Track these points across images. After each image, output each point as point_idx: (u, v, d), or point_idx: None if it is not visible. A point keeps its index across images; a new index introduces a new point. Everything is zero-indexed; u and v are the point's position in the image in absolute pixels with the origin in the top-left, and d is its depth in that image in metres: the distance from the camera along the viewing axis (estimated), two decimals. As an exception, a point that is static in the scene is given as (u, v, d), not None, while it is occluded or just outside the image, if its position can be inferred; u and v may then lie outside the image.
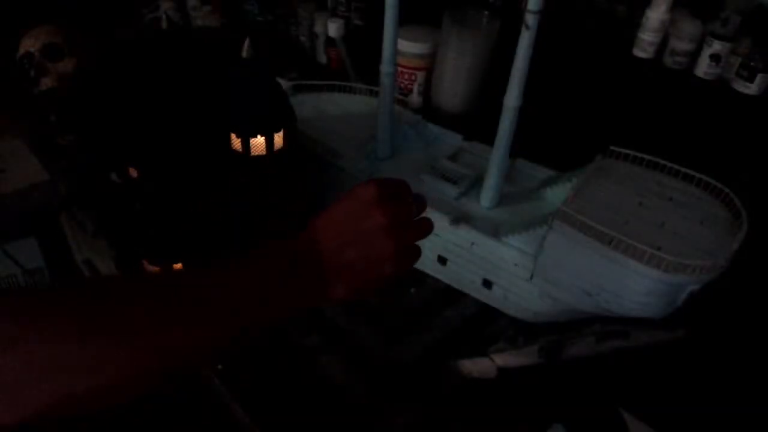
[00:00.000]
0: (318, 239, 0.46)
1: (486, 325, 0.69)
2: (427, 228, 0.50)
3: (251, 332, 0.43)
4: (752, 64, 0.77)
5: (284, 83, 0.85)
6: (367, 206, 0.47)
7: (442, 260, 0.72)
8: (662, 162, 0.67)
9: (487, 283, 0.69)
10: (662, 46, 0.84)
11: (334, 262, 0.45)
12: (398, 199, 0.49)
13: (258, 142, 0.66)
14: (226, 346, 0.42)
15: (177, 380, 0.39)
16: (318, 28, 1.18)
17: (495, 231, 0.66)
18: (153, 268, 0.70)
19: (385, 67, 0.72)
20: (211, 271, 0.41)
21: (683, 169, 0.66)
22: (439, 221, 0.69)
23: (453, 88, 0.99)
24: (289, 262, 0.45)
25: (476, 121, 0.95)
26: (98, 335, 0.33)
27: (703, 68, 0.81)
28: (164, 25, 0.69)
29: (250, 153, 0.66)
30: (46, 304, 0.34)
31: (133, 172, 0.67)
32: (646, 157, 0.68)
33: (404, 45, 0.99)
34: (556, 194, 0.70)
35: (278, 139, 0.67)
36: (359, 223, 0.46)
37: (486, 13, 0.95)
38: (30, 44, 0.91)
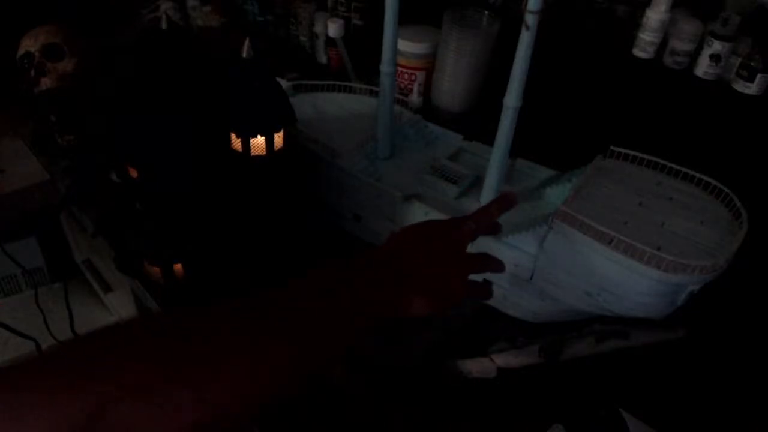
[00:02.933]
0: (397, 250, 0.48)
1: (486, 325, 0.69)
2: (498, 264, 0.55)
3: (339, 346, 0.42)
4: (752, 64, 0.77)
5: (284, 83, 0.85)
6: (453, 222, 0.51)
7: (442, 260, 0.72)
8: (662, 162, 0.67)
9: (487, 283, 0.69)
10: (662, 46, 0.84)
11: (413, 272, 0.46)
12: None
13: (258, 142, 0.66)
14: (319, 363, 0.41)
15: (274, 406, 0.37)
16: (318, 28, 1.18)
17: (495, 231, 0.66)
18: (154, 269, 0.70)
19: (385, 67, 0.72)
20: (293, 287, 0.40)
21: (683, 169, 0.66)
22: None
23: (453, 88, 1.00)
24: (374, 271, 0.45)
25: (476, 120, 0.95)
26: (187, 379, 0.32)
27: (703, 68, 0.81)
28: (164, 25, 0.69)
29: (250, 153, 0.66)
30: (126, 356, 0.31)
31: (133, 172, 0.67)
32: (646, 157, 0.68)
33: (404, 45, 0.99)
34: (556, 194, 0.70)
35: (278, 139, 0.67)
36: (443, 238, 0.50)
37: (486, 13, 0.96)
38: (30, 44, 0.91)
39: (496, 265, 0.55)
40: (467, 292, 0.51)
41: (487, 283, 0.55)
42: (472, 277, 0.52)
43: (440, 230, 0.51)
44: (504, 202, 0.56)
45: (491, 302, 0.70)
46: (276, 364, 0.36)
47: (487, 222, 0.55)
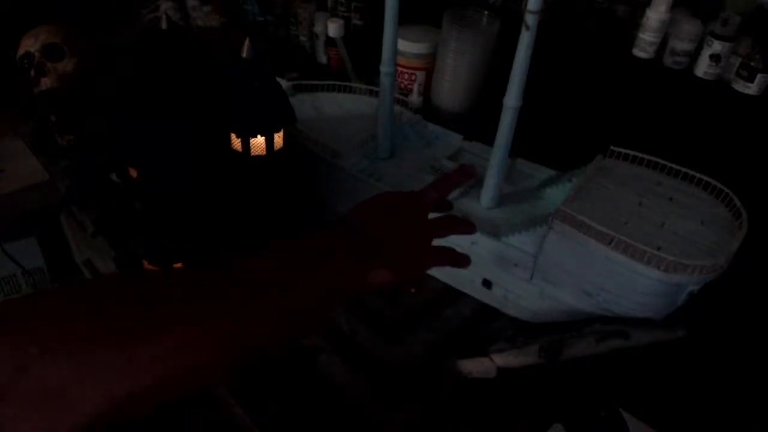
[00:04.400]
0: (364, 225, 0.47)
1: (486, 325, 0.69)
2: (468, 225, 0.54)
3: (302, 323, 0.42)
4: (752, 64, 0.77)
5: (284, 83, 0.85)
6: (411, 193, 0.51)
7: (442, 260, 0.72)
8: (662, 162, 0.67)
9: (487, 283, 0.69)
10: (662, 46, 0.84)
11: (378, 246, 0.46)
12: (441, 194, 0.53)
13: (258, 142, 0.66)
14: (277, 339, 0.40)
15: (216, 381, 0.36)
16: (318, 28, 1.18)
17: (495, 231, 0.66)
18: (153, 268, 0.70)
19: (385, 67, 0.72)
20: (247, 260, 0.39)
21: (683, 169, 0.66)
22: (439, 221, 0.69)
23: (453, 88, 0.99)
24: (327, 243, 0.44)
25: (476, 120, 0.95)
26: (141, 336, 0.31)
27: (703, 68, 0.81)
28: (164, 25, 0.69)
29: (250, 153, 0.66)
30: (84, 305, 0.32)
31: (133, 172, 0.67)
32: (647, 157, 0.68)
33: (404, 45, 0.99)
34: (556, 194, 0.70)
35: (278, 139, 0.67)
36: (404, 208, 0.49)
37: (486, 13, 0.95)
38: (30, 44, 0.91)
39: (464, 227, 0.54)
40: (434, 260, 0.50)
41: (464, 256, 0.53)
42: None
43: (401, 200, 0.51)
44: (464, 172, 0.57)
45: (491, 302, 0.70)
46: (218, 339, 0.35)
47: (448, 191, 0.55)
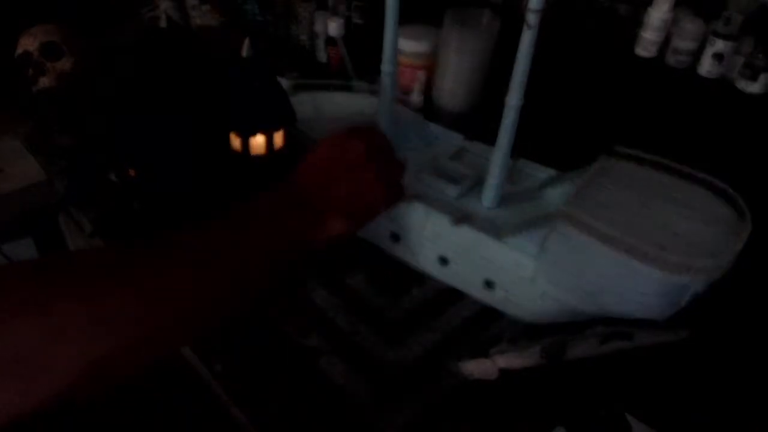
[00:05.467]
0: (304, 180, 0.49)
1: (487, 325, 0.69)
2: (400, 165, 0.57)
3: (263, 283, 0.43)
4: (755, 63, 0.76)
5: (284, 83, 0.84)
6: (343, 140, 0.52)
7: (443, 260, 0.71)
8: (665, 162, 0.67)
9: (489, 284, 0.69)
10: (665, 44, 0.84)
11: (326, 197, 0.48)
12: (383, 152, 0.54)
13: (258, 141, 0.66)
14: (239, 302, 0.42)
15: (192, 340, 0.38)
16: (318, 28, 1.18)
17: (496, 231, 0.66)
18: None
19: (386, 67, 0.71)
20: (204, 226, 0.41)
21: (686, 169, 0.66)
22: (440, 221, 0.68)
23: (454, 88, 0.99)
24: (280, 201, 0.46)
25: (477, 120, 0.95)
26: (117, 295, 0.32)
27: (706, 67, 0.81)
28: (163, 23, 0.69)
29: (250, 153, 0.66)
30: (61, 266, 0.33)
31: (133, 172, 0.67)
32: (649, 156, 0.68)
33: (405, 44, 0.98)
34: (559, 194, 0.70)
35: (278, 138, 0.67)
36: (340, 159, 0.50)
37: (487, 11, 0.95)
38: (28, 43, 0.90)
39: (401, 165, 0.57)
40: (385, 202, 0.53)
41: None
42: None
43: (353, 143, 0.52)
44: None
45: (492, 303, 0.70)
46: (180, 297, 0.36)
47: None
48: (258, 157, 0.66)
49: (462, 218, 0.68)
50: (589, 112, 0.89)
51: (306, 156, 0.52)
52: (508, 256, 0.65)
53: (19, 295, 0.30)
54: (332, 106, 0.86)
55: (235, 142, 0.66)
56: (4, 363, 0.29)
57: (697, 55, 0.82)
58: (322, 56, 1.20)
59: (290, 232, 0.45)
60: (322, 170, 0.50)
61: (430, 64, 1.02)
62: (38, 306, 0.30)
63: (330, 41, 1.12)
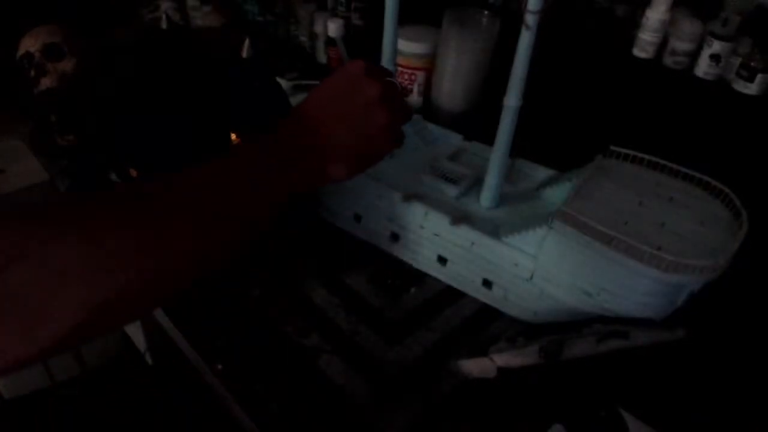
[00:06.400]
0: (310, 118, 0.46)
1: (486, 325, 0.69)
2: (409, 110, 0.52)
3: (263, 223, 0.42)
4: (752, 64, 0.77)
5: (284, 83, 0.85)
6: (358, 79, 0.48)
7: (442, 260, 0.72)
8: (662, 162, 0.67)
9: (487, 283, 0.69)
10: (662, 46, 0.84)
11: (329, 139, 0.45)
12: (385, 73, 0.50)
13: (258, 142, 0.66)
14: (238, 243, 0.41)
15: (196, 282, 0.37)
16: (318, 28, 1.18)
17: (495, 231, 0.66)
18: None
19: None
20: (206, 165, 0.40)
21: (683, 169, 0.66)
22: (439, 221, 0.69)
23: (453, 88, 0.99)
24: (284, 143, 0.44)
25: (476, 120, 0.95)
26: (117, 236, 0.32)
27: (703, 68, 0.81)
28: (164, 25, 0.69)
29: (250, 153, 0.66)
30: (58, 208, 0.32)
31: (133, 172, 0.67)
32: (647, 157, 0.68)
33: (404, 45, 0.99)
34: (556, 194, 0.70)
35: (278, 139, 0.67)
36: (351, 98, 0.47)
37: (486, 12, 0.95)
38: (30, 44, 0.91)
39: (408, 109, 0.52)
40: (389, 144, 0.49)
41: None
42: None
43: (369, 82, 0.48)
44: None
45: (491, 302, 0.70)
46: (178, 240, 0.35)
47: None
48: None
49: (461, 218, 0.68)
50: (587, 113, 0.89)
51: (319, 85, 0.49)
52: (507, 256, 0.66)
53: (17, 237, 0.30)
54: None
55: (236, 142, 0.66)
56: (3, 307, 0.28)
57: (694, 56, 0.82)
58: (321, 57, 1.21)
59: (292, 176, 0.43)
60: (333, 104, 0.47)
61: (429, 65, 1.02)
62: (38, 247, 0.29)
63: (330, 42, 1.13)
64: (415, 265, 0.75)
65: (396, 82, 0.51)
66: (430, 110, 1.02)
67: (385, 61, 0.71)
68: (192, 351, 0.67)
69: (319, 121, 0.46)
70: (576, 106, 0.91)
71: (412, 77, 1.03)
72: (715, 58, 0.79)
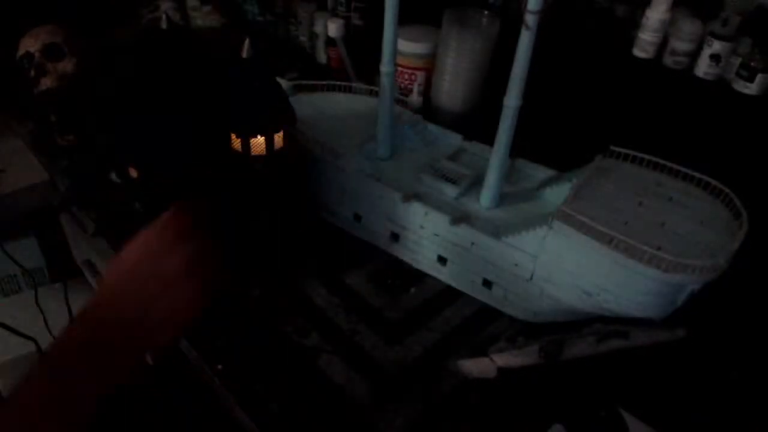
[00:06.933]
0: (114, 304, 0.42)
1: (486, 325, 0.69)
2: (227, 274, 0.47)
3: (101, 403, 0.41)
4: (752, 64, 0.77)
5: (284, 83, 0.85)
6: (177, 275, 0.43)
7: (442, 260, 0.72)
8: (662, 162, 0.67)
9: (487, 283, 0.69)
10: (662, 46, 0.84)
11: (138, 322, 0.42)
12: (202, 229, 0.46)
13: (258, 142, 0.66)
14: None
15: None
16: (318, 28, 1.18)
17: (495, 231, 0.66)
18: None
19: (385, 67, 0.72)
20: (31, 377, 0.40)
21: (683, 169, 0.66)
22: (439, 221, 0.69)
23: (453, 88, 0.99)
24: (78, 347, 0.41)
25: (476, 120, 0.95)
26: None
27: (703, 68, 0.81)
28: (164, 25, 0.69)
29: (250, 153, 0.66)
30: None
31: (133, 172, 0.67)
32: (646, 157, 0.68)
33: (404, 45, 0.99)
34: (556, 194, 0.70)
35: (278, 139, 0.67)
36: (157, 267, 0.43)
37: (486, 13, 0.95)
38: (30, 44, 0.91)
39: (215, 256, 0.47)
40: (205, 303, 0.45)
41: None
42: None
43: (172, 249, 0.44)
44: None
45: (491, 302, 0.70)
46: None
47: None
48: (258, 158, 0.66)
49: (461, 218, 0.68)
50: (587, 113, 0.89)
51: (114, 260, 0.44)
52: (507, 256, 0.66)
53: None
54: (332, 106, 0.86)
55: (235, 142, 0.66)
56: None
57: (694, 56, 0.82)
58: (321, 57, 1.21)
59: (106, 377, 0.41)
60: (131, 286, 0.43)
61: (429, 65, 1.02)
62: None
63: (330, 42, 1.13)
64: (415, 265, 0.75)
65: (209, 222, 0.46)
66: (429, 110, 1.02)
67: (385, 62, 0.71)
68: (192, 351, 0.67)
69: (120, 306, 0.42)
70: (576, 106, 0.91)
71: (412, 77, 1.03)
72: (715, 58, 0.79)
